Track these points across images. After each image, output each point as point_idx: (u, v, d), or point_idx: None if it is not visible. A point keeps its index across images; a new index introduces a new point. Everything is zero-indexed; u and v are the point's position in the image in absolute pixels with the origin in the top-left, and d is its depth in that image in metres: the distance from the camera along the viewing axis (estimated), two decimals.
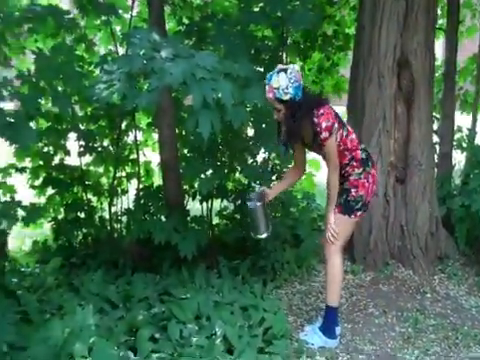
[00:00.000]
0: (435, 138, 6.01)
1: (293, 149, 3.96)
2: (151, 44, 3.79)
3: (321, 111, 3.65)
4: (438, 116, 6.60)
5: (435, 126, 6.12)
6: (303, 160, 4.07)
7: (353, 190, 3.83)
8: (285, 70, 3.58)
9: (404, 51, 5.21)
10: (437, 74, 6.70)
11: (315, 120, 3.63)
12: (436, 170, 5.86)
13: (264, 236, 4.06)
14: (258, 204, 3.93)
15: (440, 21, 6.86)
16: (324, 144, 3.69)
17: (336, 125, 3.69)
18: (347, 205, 3.85)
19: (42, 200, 5.59)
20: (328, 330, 3.96)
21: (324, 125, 3.63)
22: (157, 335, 3.66)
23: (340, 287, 4.05)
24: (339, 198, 3.85)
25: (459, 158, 6.48)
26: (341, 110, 6.02)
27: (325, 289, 4.19)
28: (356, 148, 3.83)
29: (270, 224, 4.07)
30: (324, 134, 3.64)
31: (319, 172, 6.18)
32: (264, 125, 4.79)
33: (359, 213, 3.89)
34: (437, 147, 6.22)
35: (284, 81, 3.55)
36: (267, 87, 3.62)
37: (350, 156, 3.81)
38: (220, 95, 3.55)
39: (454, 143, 6.29)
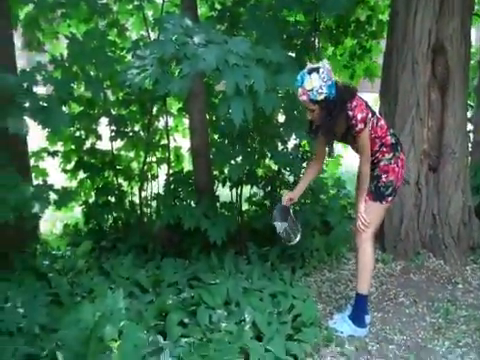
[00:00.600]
0: (469, 126, 5.91)
1: (330, 145, 3.88)
2: (184, 29, 3.79)
3: (354, 103, 3.60)
4: (472, 104, 6.49)
5: (469, 114, 6.00)
6: (324, 153, 4.02)
7: (383, 176, 3.80)
8: (317, 70, 3.50)
9: (439, 37, 5.10)
10: (472, 61, 6.57)
11: (350, 113, 3.59)
12: (470, 159, 5.76)
13: (296, 242, 4.06)
14: (285, 224, 3.98)
15: (476, 7, 6.71)
16: (359, 136, 3.64)
17: (370, 115, 3.65)
18: (378, 191, 3.81)
19: (73, 184, 5.65)
20: (358, 318, 3.93)
21: (359, 117, 3.59)
22: (186, 320, 3.68)
23: (371, 275, 4.01)
24: (370, 185, 3.81)
25: None
26: (373, 97, 5.98)
27: (355, 277, 4.17)
28: (385, 134, 3.79)
29: (299, 226, 4.06)
30: (360, 126, 3.60)
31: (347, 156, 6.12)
32: (295, 112, 4.75)
33: (390, 198, 3.86)
34: (471, 135, 6.12)
35: (317, 81, 3.47)
36: (300, 90, 3.54)
37: (380, 143, 3.78)
38: (252, 81, 3.53)
39: None
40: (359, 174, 3.82)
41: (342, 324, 3.95)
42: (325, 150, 3.99)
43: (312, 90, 3.48)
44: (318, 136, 3.90)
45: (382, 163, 3.80)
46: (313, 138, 4.01)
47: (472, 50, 6.07)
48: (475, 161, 6.06)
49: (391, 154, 3.80)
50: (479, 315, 4.20)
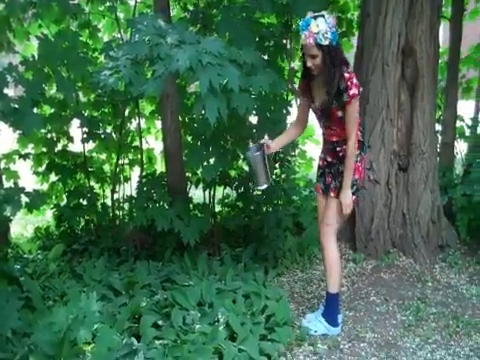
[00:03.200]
0: (438, 127, 6.00)
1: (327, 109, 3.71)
2: (157, 30, 3.77)
3: (350, 69, 3.58)
4: (441, 105, 6.58)
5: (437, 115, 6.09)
6: (306, 119, 3.97)
7: None
8: (322, 15, 3.45)
9: (409, 39, 5.18)
10: (440, 62, 6.66)
11: (346, 75, 3.53)
12: (438, 159, 5.85)
13: (264, 187, 3.99)
14: (256, 154, 3.85)
15: (444, 9, 6.80)
16: (350, 102, 3.54)
17: (361, 89, 3.61)
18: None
19: (44, 187, 5.60)
20: (330, 317, 3.96)
21: (355, 81, 3.54)
22: (160, 322, 3.68)
23: (339, 272, 4.02)
24: (335, 182, 3.82)
25: (461, 147, 6.48)
26: None
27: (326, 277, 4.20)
28: (359, 128, 3.77)
29: (271, 176, 3.99)
30: (354, 90, 3.52)
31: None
32: (268, 113, 4.77)
33: (353, 197, 3.82)
34: (439, 136, 6.21)
35: (323, 25, 3.41)
36: (306, 33, 3.44)
37: None
38: (226, 80, 3.53)
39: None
40: (347, 153, 3.68)
41: (315, 323, 3.98)
42: (307, 117, 3.96)
43: (318, 33, 3.41)
44: (305, 95, 3.83)
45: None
46: (299, 95, 3.89)
47: (440, 51, 6.14)
48: (443, 161, 6.15)
49: (358, 151, 3.76)
50: (448, 312, 4.28)
